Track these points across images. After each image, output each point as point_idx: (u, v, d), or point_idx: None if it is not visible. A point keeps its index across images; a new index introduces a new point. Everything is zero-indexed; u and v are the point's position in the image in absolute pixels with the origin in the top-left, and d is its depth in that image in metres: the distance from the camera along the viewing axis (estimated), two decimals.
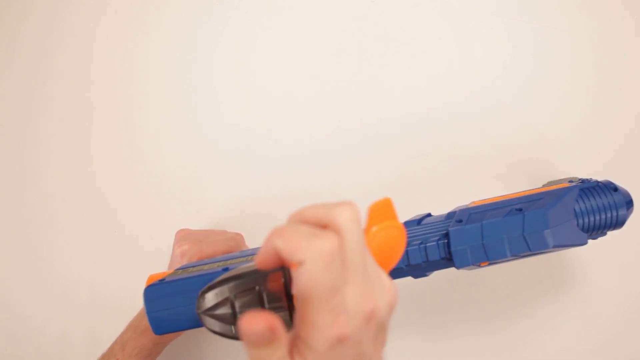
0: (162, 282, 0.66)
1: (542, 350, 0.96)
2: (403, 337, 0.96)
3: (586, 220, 0.69)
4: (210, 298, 0.54)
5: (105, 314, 0.98)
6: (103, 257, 0.99)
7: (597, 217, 0.69)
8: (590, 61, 0.96)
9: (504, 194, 0.73)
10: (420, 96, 0.97)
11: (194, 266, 0.72)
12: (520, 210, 0.65)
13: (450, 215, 0.70)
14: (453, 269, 0.68)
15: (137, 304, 0.82)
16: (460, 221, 0.66)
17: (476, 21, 0.96)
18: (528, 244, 0.64)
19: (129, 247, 0.99)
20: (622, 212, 0.70)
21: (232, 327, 0.54)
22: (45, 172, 0.99)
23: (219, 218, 0.98)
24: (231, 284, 0.54)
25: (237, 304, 0.53)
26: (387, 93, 0.97)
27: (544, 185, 0.79)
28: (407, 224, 0.70)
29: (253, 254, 0.71)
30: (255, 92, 0.98)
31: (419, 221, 0.70)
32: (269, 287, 0.54)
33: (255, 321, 0.42)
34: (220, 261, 0.71)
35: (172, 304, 0.64)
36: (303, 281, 0.42)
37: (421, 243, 0.66)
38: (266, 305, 0.53)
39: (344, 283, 0.43)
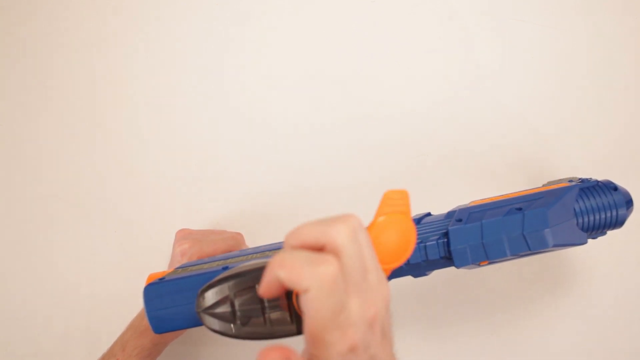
0: (161, 280, 0.66)
1: (542, 350, 0.96)
2: (402, 337, 0.96)
3: (586, 219, 0.69)
4: (210, 297, 0.54)
5: (105, 314, 0.98)
6: (103, 257, 0.99)
7: (597, 217, 0.69)
8: (588, 60, 0.96)
9: (503, 194, 0.73)
10: (419, 96, 0.97)
11: (193, 265, 0.72)
12: (520, 209, 0.65)
13: (450, 214, 0.70)
14: (453, 268, 0.68)
15: (137, 303, 0.82)
16: (460, 220, 0.66)
17: (475, 21, 0.96)
18: (528, 243, 0.64)
19: (129, 247, 0.99)
20: (621, 211, 0.70)
21: (232, 325, 0.54)
22: (46, 172, 0.99)
23: (219, 218, 0.98)
24: (231, 283, 0.54)
25: (236, 303, 0.54)
26: (387, 93, 0.97)
27: (543, 185, 0.79)
28: None
29: (253, 253, 0.71)
30: (256, 92, 0.98)
31: (418, 220, 0.70)
32: None
33: (272, 353, 0.47)
34: (219, 260, 0.71)
35: (172, 303, 0.64)
36: (310, 307, 0.44)
37: (421, 242, 0.66)
38: (265, 303, 0.54)
39: (347, 298, 0.45)
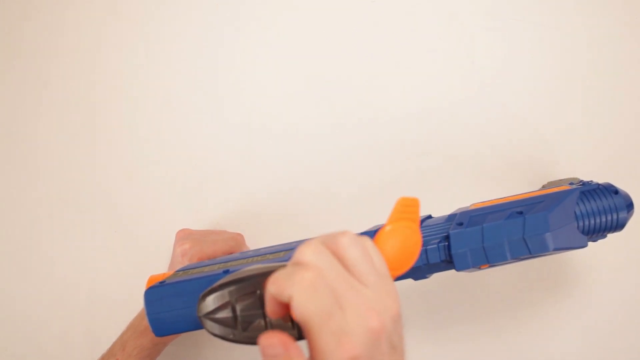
0: (162, 284, 0.66)
1: (542, 353, 0.96)
2: None
3: (586, 222, 0.69)
4: (211, 302, 0.54)
5: (105, 314, 0.98)
6: (103, 257, 0.99)
7: (598, 220, 0.69)
8: (589, 61, 0.96)
9: (504, 196, 0.73)
10: (419, 96, 0.97)
11: (194, 268, 0.72)
12: (521, 213, 0.65)
13: (450, 217, 0.70)
14: (453, 271, 0.68)
15: (137, 303, 0.82)
16: (461, 224, 0.66)
17: (475, 21, 0.96)
18: (528, 247, 0.64)
19: (129, 247, 0.99)
20: (622, 214, 0.70)
21: (233, 330, 0.54)
22: (46, 172, 0.99)
23: (219, 218, 0.98)
24: (232, 288, 0.54)
25: (237, 308, 0.54)
26: (387, 93, 0.97)
27: (543, 186, 0.79)
28: None
29: (254, 256, 0.71)
30: (256, 92, 0.98)
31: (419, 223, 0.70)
32: None
33: (271, 337, 0.47)
34: (220, 263, 0.71)
35: (173, 306, 0.64)
36: (297, 313, 0.45)
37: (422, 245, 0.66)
38: None
39: (337, 307, 0.46)
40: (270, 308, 0.49)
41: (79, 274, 0.99)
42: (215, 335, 0.54)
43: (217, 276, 0.64)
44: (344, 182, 0.97)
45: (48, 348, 0.99)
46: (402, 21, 0.97)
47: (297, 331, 0.54)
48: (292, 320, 0.54)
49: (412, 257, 0.54)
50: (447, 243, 0.66)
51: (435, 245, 0.67)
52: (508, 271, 0.95)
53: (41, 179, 0.99)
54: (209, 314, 0.54)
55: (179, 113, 0.98)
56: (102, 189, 0.99)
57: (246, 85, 0.98)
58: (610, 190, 0.71)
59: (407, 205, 0.54)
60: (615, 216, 0.70)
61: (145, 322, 0.83)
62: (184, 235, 0.89)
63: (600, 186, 0.72)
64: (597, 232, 0.70)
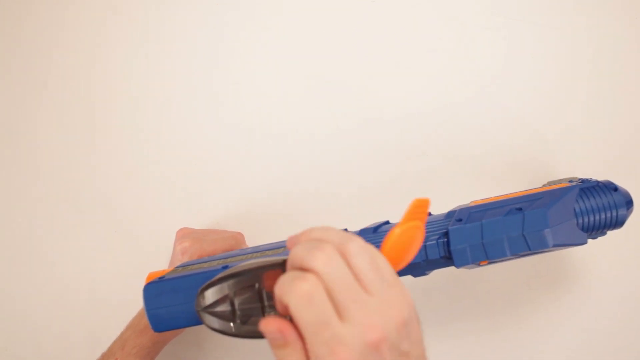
0: (161, 279, 0.66)
1: (542, 350, 0.96)
2: None
3: (586, 219, 0.69)
4: (210, 296, 0.54)
5: (105, 314, 0.98)
6: (103, 257, 0.99)
7: (597, 217, 0.69)
8: (589, 61, 0.96)
9: (504, 194, 0.73)
10: (420, 96, 0.97)
11: (193, 264, 0.72)
12: (520, 209, 0.65)
13: (450, 214, 0.70)
14: (453, 268, 0.68)
15: (137, 303, 0.82)
16: (460, 220, 0.66)
17: (476, 21, 0.96)
18: (528, 243, 0.64)
19: (129, 247, 0.99)
20: (622, 211, 0.70)
21: (232, 324, 0.54)
22: (46, 172, 0.99)
23: (219, 218, 0.98)
24: (230, 282, 0.54)
25: (236, 302, 0.54)
26: (387, 93, 0.97)
27: (543, 186, 0.79)
28: None
29: (253, 252, 0.71)
30: (256, 92, 0.98)
31: None
32: (269, 285, 0.54)
33: (270, 323, 0.48)
34: (219, 259, 0.71)
35: (172, 302, 0.64)
36: (294, 319, 0.47)
37: None
38: (265, 302, 0.54)
39: (336, 317, 0.46)
40: (278, 305, 0.50)
41: (79, 274, 0.99)
42: (214, 329, 0.54)
43: (216, 271, 0.64)
44: (343, 182, 0.97)
45: (48, 348, 0.99)
46: (402, 21, 0.97)
47: None
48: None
49: (412, 253, 0.54)
50: (446, 239, 0.66)
51: (434, 242, 0.66)
52: (508, 268, 0.94)
53: (41, 179, 0.99)
54: (208, 308, 0.54)
55: (179, 113, 0.98)
56: (102, 189, 0.99)
57: (246, 86, 0.98)
58: (609, 188, 0.71)
59: (419, 207, 0.55)
60: (614, 213, 0.70)
61: (145, 320, 0.83)
62: (184, 234, 0.90)
63: (599, 183, 0.72)
64: (596, 230, 0.70)
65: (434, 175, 0.96)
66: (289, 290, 0.47)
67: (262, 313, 0.54)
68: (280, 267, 0.53)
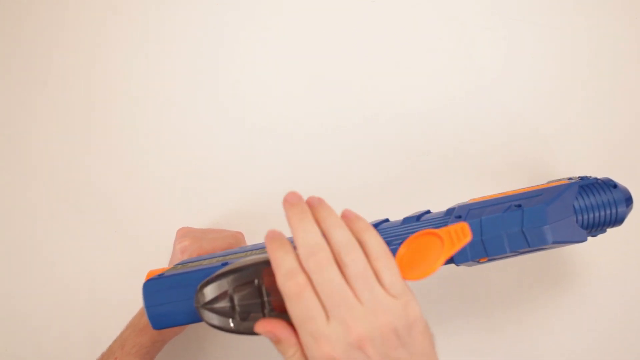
0: (161, 276, 0.66)
1: (542, 348, 0.96)
2: None
3: (585, 217, 0.69)
4: (209, 292, 0.54)
5: (105, 314, 0.98)
6: (103, 257, 0.99)
7: (597, 214, 0.69)
8: (588, 60, 0.96)
9: (503, 192, 0.73)
10: (419, 96, 0.97)
11: (193, 262, 0.72)
12: (519, 206, 0.65)
13: (449, 211, 0.69)
14: (452, 266, 0.68)
15: (137, 303, 0.82)
16: (459, 217, 0.66)
17: (476, 21, 0.97)
18: (527, 239, 0.63)
19: (129, 247, 0.99)
20: (621, 209, 0.70)
21: (231, 320, 0.54)
22: (46, 172, 0.99)
23: (219, 217, 0.98)
24: (230, 278, 0.54)
25: (235, 298, 0.54)
26: (387, 93, 0.97)
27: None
28: (406, 220, 0.70)
29: (252, 250, 0.71)
30: (256, 92, 0.98)
31: (418, 217, 0.70)
32: (268, 281, 0.54)
33: (262, 325, 0.53)
34: (219, 257, 0.71)
35: (171, 298, 0.64)
36: (287, 309, 0.51)
37: None
38: (265, 298, 0.54)
39: (322, 315, 0.50)
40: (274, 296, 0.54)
41: (79, 274, 0.99)
42: (213, 326, 0.55)
43: (215, 268, 0.64)
44: (344, 182, 0.97)
45: (48, 348, 0.99)
46: (402, 21, 0.97)
47: None
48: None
49: (429, 263, 0.54)
50: None
51: None
52: (507, 266, 0.95)
53: (41, 179, 0.99)
54: (207, 304, 0.54)
55: (179, 113, 0.98)
56: (102, 189, 0.99)
57: (246, 85, 0.98)
58: (609, 185, 0.71)
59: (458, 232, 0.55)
60: (614, 210, 0.69)
61: (145, 320, 0.83)
62: (184, 233, 0.90)
63: (599, 181, 0.72)
64: (596, 227, 0.70)
65: (434, 175, 0.96)
66: (282, 283, 0.50)
67: (262, 309, 0.54)
68: None
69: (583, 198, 0.69)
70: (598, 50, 0.96)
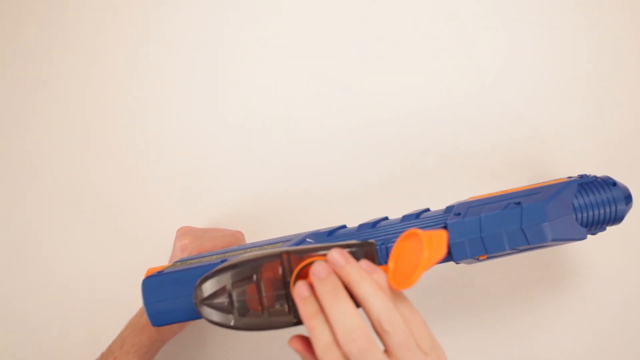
0: (160, 273, 0.66)
1: (541, 347, 0.96)
2: None
3: (585, 215, 0.69)
4: (208, 287, 0.54)
5: (105, 314, 0.98)
6: (103, 257, 0.99)
7: (596, 212, 0.69)
8: (588, 60, 0.96)
9: (502, 190, 0.73)
10: (419, 96, 0.97)
11: (192, 259, 0.72)
12: (519, 203, 0.65)
13: (448, 209, 0.70)
14: (452, 265, 0.68)
15: (137, 303, 0.82)
16: (459, 214, 0.66)
17: (476, 21, 0.97)
18: (526, 237, 0.63)
19: (129, 247, 0.99)
20: (620, 206, 0.70)
21: (230, 316, 0.54)
22: (46, 172, 0.99)
23: (219, 217, 0.98)
24: (228, 274, 0.54)
25: (234, 293, 0.54)
26: (387, 93, 0.97)
27: None
28: (405, 217, 0.70)
29: (252, 247, 0.71)
30: (256, 92, 0.98)
31: (417, 215, 0.70)
32: (266, 277, 0.54)
33: (293, 342, 0.55)
34: (219, 254, 0.71)
35: (170, 295, 0.64)
36: None
37: None
38: (263, 294, 0.54)
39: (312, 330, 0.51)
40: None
41: (79, 274, 0.99)
42: (212, 322, 0.55)
43: (214, 265, 0.64)
44: (344, 181, 0.97)
45: (48, 348, 0.99)
46: (402, 21, 0.97)
47: (294, 315, 0.54)
48: (288, 304, 0.54)
49: (418, 266, 0.54)
50: None
51: None
52: (507, 265, 0.94)
53: (41, 179, 0.99)
54: (206, 300, 0.54)
55: (179, 113, 0.99)
56: (102, 189, 0.99)
57: (246, 85, 0.98)
58: (608, 183, 0.71)
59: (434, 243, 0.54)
60: (613, 208, 0.70)
61: (144, 319, 0.83)
62: (184, 232, 0.90)
63: (598, 179, 0.72)
64: (596, 225, 0.70)
65: (434, 175, 0.96)
66: (322, 356, 0.51)
67: (260, 305, 0.54)
68: (278, 258, 0.53)
69: (582, 196, 0.69)
70: (598, 50, 0.96)
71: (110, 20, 0.99)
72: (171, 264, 0.72)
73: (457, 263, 0.67)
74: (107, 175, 0.99)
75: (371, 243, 0.56)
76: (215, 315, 0.54)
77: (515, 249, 0.64)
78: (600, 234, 0.74)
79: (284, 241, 0.70)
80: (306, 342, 0.54)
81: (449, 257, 0.66)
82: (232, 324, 0.54)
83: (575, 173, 0.90)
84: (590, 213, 0.69)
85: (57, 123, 0.99)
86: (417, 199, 0.93)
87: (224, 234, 0.90)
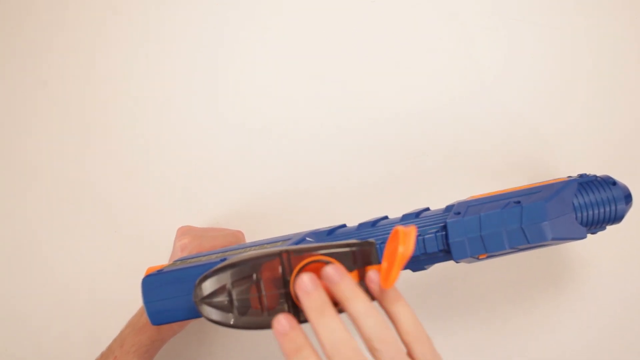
0: (160, 272, 0.66)
1: (541, 346, 0.96)
2: None
3: (585, 214, 0.69)
4: (208, 286, 0.54)
5: (105, 314, 0.98)
6: (103, 257, 0.99)
7: (596, 211, 0.69)
8: (588, 60, 0.96)
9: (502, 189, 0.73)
10: (420, 96, 0.97)
11: (192, 258, 0.72)
12: (519, 202, 0.65)
13: (448, 208, 0.70)
14: (452, 264, 0.68)
15: (137, 303, 0.82)
16: (459, 213, 0.66)
17: (476, 21, 0.97)
18: (526, 236, 0.63)
19: (129, 247, 0.99)
20: (620, 206, 0.70)
21: (230, 315, 0.54)
22: (46, 172, 0.99)
23: (219, 217, 0.98)
24: (228, 272, 0.54)
25: (234, 292, 0.54)
26: (387, 93, 0.97)
27: None
28: (405, 217, 0.70)
29: (252, 246, 0.71)
30: (256, 92, 0.98)
31: (417, 214, 0.70)
32: (266, 275, 0.54)
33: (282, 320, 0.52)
34: (218, 253, 0.71)
35: (170, 294, 0.64)
36: None
37: (419, 235, 0.66)
38: (263, 292, 0.54)
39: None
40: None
41: (79, 274, 0.99)
42: (212, 321, 0.54)
43: (214, 264, 0.64)
44: (343, 181, 0.97)
45: (48, 348, 0.99)
46: (402, 21, 0.97)
47: (293, 314, 0.54)
48: (287, 303, 0.54)
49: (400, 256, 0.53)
50: (444, 232, 0.66)
51: (432, 235, 0.66)
52: (507, 265, 0.94)
53: (41, 179, 0.99)
54: (206, 299, 0.54)
55: (179, 113, 0.99)
56: (102, 189, 0.99)
57: (246, 85, 0.98)
58: (608, 182, 0.71)
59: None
60: (613, 207, 0.70)
61: (144, 318, 0.83)
62: (185, 231, 0.89)
63: (598, 178, 0.72)
64: (595, 224, 0.70)
65: (433, 174, 0.96)
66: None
67: (260, 303, 0.54)
68: (278, 257, 0.53)
69: (582, 195, 0.69)
70: (598, 50, 0.96)
71: (110, 20, 0.99)
72: (171, 263, 0.72)
73: (457, 262, 0.67)
74: (107, 175, 0.99)
75: (371, 242, 0.56)
76: (215, 314, 0.54)
77: (515, 248, 0.64)
78: (600, 234, 0.74)
79: (283, 240, 0.70)
80: None
81: (449, 255, 0.66)
82: (231, 322, 0.54)
83: (575, 173, 0.90)
84: (590, 212, 0.69)
85: (57, 123, 0.99)
86: (417, 199, 0.93)
87: (224, 234, 0.90)
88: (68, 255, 0.99)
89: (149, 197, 0.99)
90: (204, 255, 0.71)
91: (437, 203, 0.76)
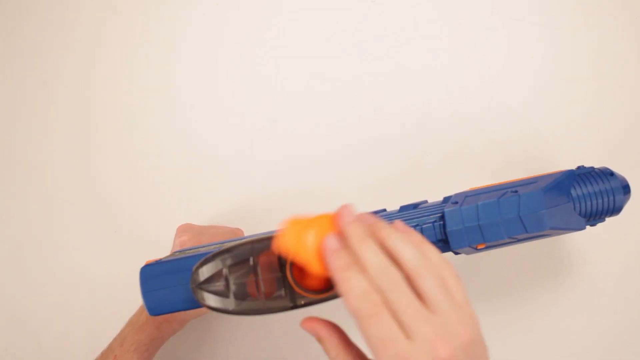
0: (158, 262, 0.65)
1: (541, 345, 0.96)
2: None
3: (583, 205, 0.69)
4: (205, 271, 0.54)
5: (105, 314, 0.98)
6: (103, 257, 0.99)
7: (595, 202, 0.69)
8: (587, 60, 0.97)
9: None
10: (419, 95, 0.97)
11: (191, 249, 0.71)
12: (516, 192, 0.65)
13: (446, 199, 0.70)
14: (451, 256, 0.68)
15: (137, 302, 0.83)
16: (456, 203, 0.66)
17: (476, 21, 0.97)
18: (524, 224, 0.63)
19: (129, 247, 0.99)
20: (619, 197, 0.70)
21: (227, 300, 0.54)
22: (46, 171, 0.99)
23: (219, 217, 0.98)
24: (225, 257, 0.54)
25: (231, 277, 0.54)
26: (387, 92, 0.97)
27: None
28: (404, 208, 0.70)
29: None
30: (256, 91, 0.98)
31: (415, 205, 0.70)
32: (263, 260, 0.54)
33: (306, 323, 0.55)
34: (217, 244, 0.71)
35: (168, 283, 0.63)
36: (362, 334, 0.49)
37: (417, 225, 0.66)
38: (260, 276, 0.54)
39: (400, 336, 0.48)
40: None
41: (79, 274, 0.99)
42: (209, 307, 0.54)
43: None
44: (343, 180, 0.97)
45: (48, 348, 0.99)
46: (402, 21, 0.98)
47: (290, 299, 0.54)
48: (284, 288, 0.54)
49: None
50: (442, 222, 0.66)
51: (430, 225, 0.66)
52: (505, 260, 0.94)
53: (41, 179, 0.99)
54: (203, 284, 0.54)
55: (179, 112, 0.99)
56: (102, 189, 0.99)
57: (246, 85, 0.99)
58: (605, 173, 0.71)
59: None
60: (612, 198, 0.69)
61: (144, 317, 0.83)
62: (184, 228, 0.90)
63: (595, 169, 0.72)
64: (594, 215, 0.70)
65: (434, 173, 0.96)
66: (358, 305, 0.48)
67: (257, 288, 0.54)
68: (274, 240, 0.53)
69: (580, 186, 0.69)
70: (598, 50, 0.97)
71: (110, 20, 1.00)
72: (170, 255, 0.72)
73: (455, 253, 0.67)
74: (108, 175, 0.99)
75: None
76: (212, 299, 0.54)
77: (513, 237, 0.64)
78: (601, 230, 0.74)
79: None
80: (325, 322, 0.54)
81: (447, 246, 0.66)
82: (228, 308, 0.54)
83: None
84: (589, 203, 0.69)
85: (57, 123, 0.99)
86: (417, 198, 0.92)
87: (224, 231, 0.90)
88: (68, 255, 0.99)
89: (149, 196, 0.99)
90: (202, 247, 0.71)
91: (437, 199, 0.76)
